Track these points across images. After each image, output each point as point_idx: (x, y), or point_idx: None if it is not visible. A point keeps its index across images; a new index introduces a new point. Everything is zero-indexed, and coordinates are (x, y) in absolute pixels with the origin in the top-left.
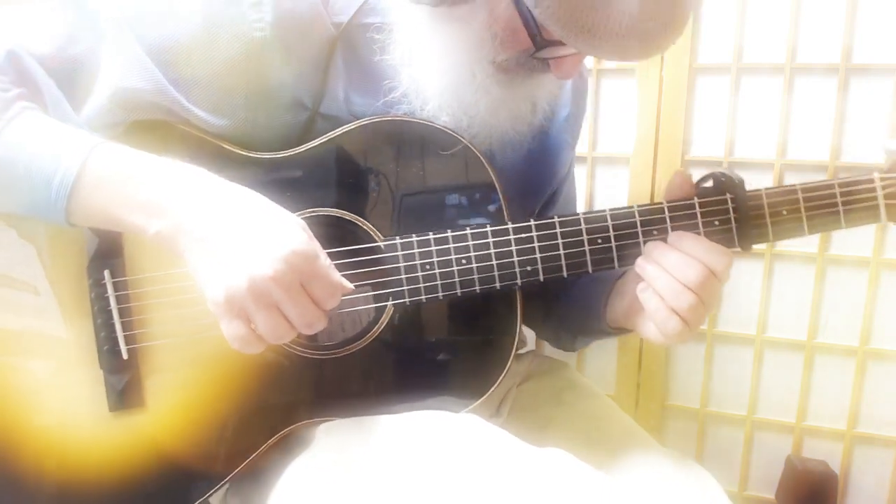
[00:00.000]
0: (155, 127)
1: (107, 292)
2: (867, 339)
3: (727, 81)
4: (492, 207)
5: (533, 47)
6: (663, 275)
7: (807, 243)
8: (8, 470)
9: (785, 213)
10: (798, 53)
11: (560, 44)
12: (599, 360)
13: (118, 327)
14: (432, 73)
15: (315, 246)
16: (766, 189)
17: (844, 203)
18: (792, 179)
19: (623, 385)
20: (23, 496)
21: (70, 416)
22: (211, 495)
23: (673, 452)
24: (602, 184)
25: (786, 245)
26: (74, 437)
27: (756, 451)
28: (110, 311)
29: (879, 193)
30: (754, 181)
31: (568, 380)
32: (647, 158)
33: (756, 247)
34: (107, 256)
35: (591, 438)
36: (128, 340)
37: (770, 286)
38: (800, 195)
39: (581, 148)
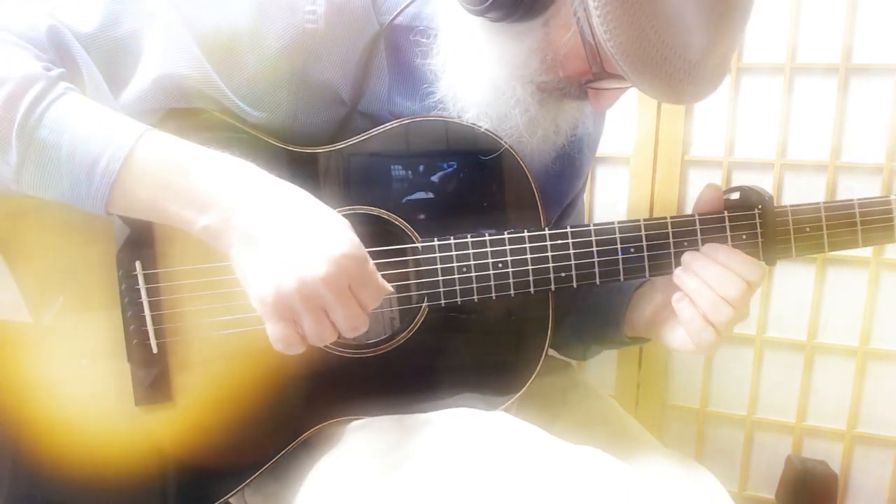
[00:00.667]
0: (193, 115)
1: (137, 284)
2: (867, 339)
3: (727, 81)
4: (529, 213)
5: (581, 76)
6: (704, 288)
7: None
8: (33, 462)
9: (808, 230)
10: (798, 53)
11: (616, 77)
12: (599, 360)
13: (149, 321)
14: (474, 84)
15: (364, 249)
16: (792, 206)
17: (863, 223)
18: (792, 179)
19: (623, 385)
20: (46, 488)
21: (95, 408)
22: (235, 493)
23: (675, 453)
24: (602, 184)
25: None
26: (99, 430)
27: (756, 451)
28: (140, 303)
29: (895, 214)
30: (755, 181)
31: (572, 380)
32: (647, 158)
33: None
34: (137, 247)
35: (595, 438)
36: (158, 334)
37: (770, 286)
38: (822, 213)
39: None
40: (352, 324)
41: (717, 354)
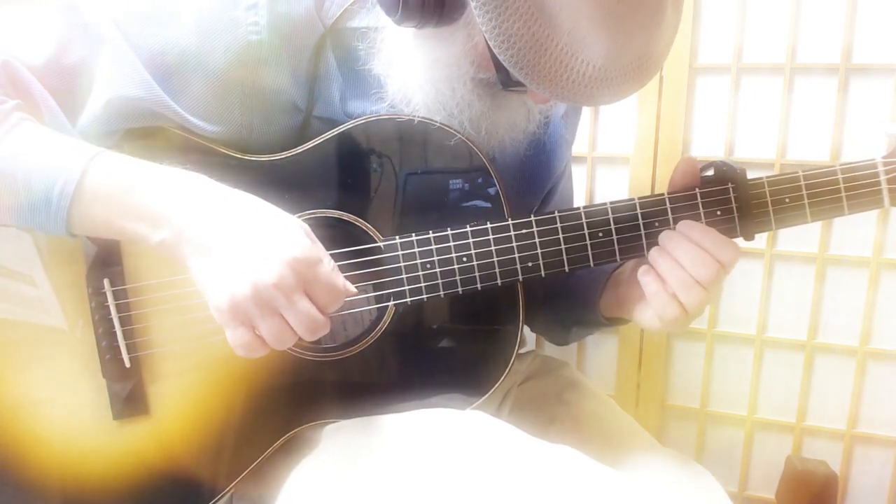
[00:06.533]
0: (152, 133)
1: (107, 301)
2: (867, 339)
3: (727, 81)
4: (491, 203)
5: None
6: (676, 268)
7: (807, 243)
8: (15, 480)
9: (787, 200)
10: (798, 53)
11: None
12: (599, 360)
13: (119, 336)
14: (416, 85)
15: (318, 250)
16: (768, 177)
17: (847, 189)
18: None
19: (623, 385)
20: None
21: (75, 425)
22: (217, 501)
23: (674, 452)
24: (602, 184)
25: (786, 245)
26: (79, 446)
27: (756, 451)
28: (111, 319)
29: (882, 178)
30: None
31: (569, 379)
32: (647, 158)
33: (757, 244)
34: (105, 265)
35: (593, 438)
36: (129, 349)
37: (770, 286)
38: (802, 182)
39: (581, 148)
40: (308, 326)
41: (717, 354)
